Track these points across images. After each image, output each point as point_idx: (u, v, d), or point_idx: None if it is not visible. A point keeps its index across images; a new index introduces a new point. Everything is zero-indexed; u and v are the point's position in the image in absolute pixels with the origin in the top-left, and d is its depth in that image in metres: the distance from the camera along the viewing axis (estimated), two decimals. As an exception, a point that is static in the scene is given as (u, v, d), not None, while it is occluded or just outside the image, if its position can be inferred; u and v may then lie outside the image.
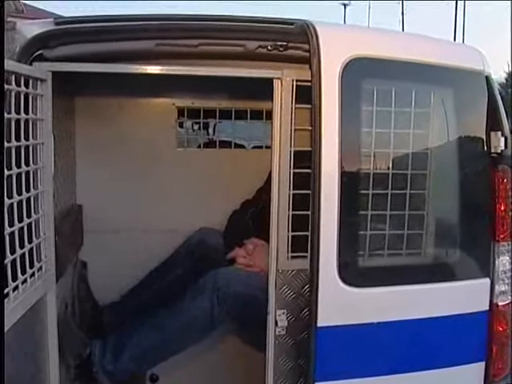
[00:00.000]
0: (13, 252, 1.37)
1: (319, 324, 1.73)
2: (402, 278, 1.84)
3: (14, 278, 1.38)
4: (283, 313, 1.82)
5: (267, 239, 1.85)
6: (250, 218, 2.49)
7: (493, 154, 1.89)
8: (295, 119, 1.77)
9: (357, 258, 1.80)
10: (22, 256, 1.44)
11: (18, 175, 1.41)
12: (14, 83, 1.37)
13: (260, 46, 1.76)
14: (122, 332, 2.21)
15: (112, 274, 2.48)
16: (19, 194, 1.41)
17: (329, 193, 1.70)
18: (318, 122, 1.70)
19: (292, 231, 1.80)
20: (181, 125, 2.76)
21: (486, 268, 1.90)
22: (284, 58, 1.78)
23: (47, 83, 1.61)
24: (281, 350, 1.84)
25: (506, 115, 1.95)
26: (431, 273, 1.89)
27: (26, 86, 1.47)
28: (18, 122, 1.42)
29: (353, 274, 1.78)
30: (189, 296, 2.17)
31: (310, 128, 1.73)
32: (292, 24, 1.81)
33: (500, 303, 1.90)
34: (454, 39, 23.03)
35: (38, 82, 1.57)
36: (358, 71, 1.75)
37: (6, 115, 1.30)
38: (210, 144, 2.88)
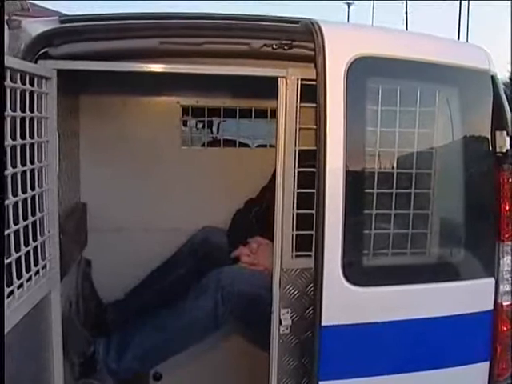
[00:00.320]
0: (18, 250, 1.37)
1: (323, 323, 1.73)
2: (406, 277, 1.83)
3: (19, 276, 1.38)
4: (287, 312, 1.82)
5: (271, 238, 1.85)
6: (254, 217, 2.49)
7: (498, 154, 1.88)
8: (300, 118, 1.77)
9: (361, 257, 1.80)
10: (27, 254, 1.44)
11: (23, 173, 1.41)
12: (19, 81, 1.37)
13: (265, 45, 1.75)
14: (126, 330, 2.21)
15: (116, 272, 2.48)
16: (24, 191, 1.41)
17: (333, 192, 1.70)
18: (322, 121, 1.69)
19: (296, 230, 1.80)
20: (185, 123, 2.76)
21: (490, 268, 1.90)
22: (289, 56, 1.78)
23: (52, 81, 1.61)
24: (285, 349, 1.84)
25: (512, 114, 1.95)
26: (436, 272, 1.89)
27: (31, 83, 1.47)
28: (23, 119, 1.42)
29: (357, 273, 1.77)
30: (192, 295, 2.17)
31: (315, 127, 1.72)
32: (297, 23, 1.81)
33: (504, 303, 1.89)
34: (458, 39, 22.96)
35: (43, 80, 1.57)
36: (363, 70, 1.75)
37: (10, 113, 1.30)
38: (214, 143, 2.88)
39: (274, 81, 1.77)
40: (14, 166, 1.33)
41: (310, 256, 1.77)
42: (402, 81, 1.84)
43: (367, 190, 1.77)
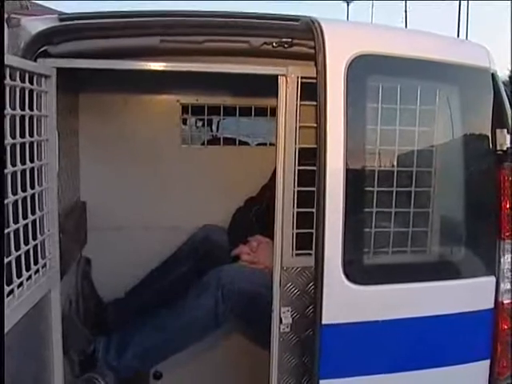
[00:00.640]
0: (17, 249, 1.36)
1: (324, 321, 1.72)
2: (407, 275, 1.83)
3: (19, 275, 1.38)
4: (288, 310, 1.82)
5: (271, 236, 1.84)
6: (254, 215, 2.49)
7: (498, 152, 1.88)
8: (300, 116, 1.76)
9: (362, 256, 1.80)
10: (27, 253, 1.43)
11: (23, 172, 1.41)
12: (18, 79, 1.36)
13: (265, 43, 1.75)
14: (126, 329, 2.20)
15: (116, 271, 2.48)
16: (24, 190, 1.41)
17: (334, 190, 1.70)
18: (323, 119, 1.69)
19: (297, 228, 1.80)
20: (185, 122, 2.76)
21: (491, 266, 1.89)
22: (289, 54, 1.77)
23: (51, 79, 1.61)
24: (285, 347, 1.84)
25: (512, 112, 1.94)
26: (436, 271, 1.88)
27: (31, 82, 1.47)
28: (22, 118, 1.41)
29: (358, 271, 1.77)
30: (193, 293, 2.17)
31: (315, 125, 1.72)
32: (297, 21, 1.80)
33: (505, 301, 1.89)
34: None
35: (43, 79, 1.57)
36: (363, 68, 1.74)
37: (10, 111, 1.29)
38: (214, 141, 2.87)
39: (274, 79, 1.77)
40: (13, 164, 1.32)
41: (310, 254, 1.77)
42: (402, 79, 1.83)
43: (368, 188, 1.76)
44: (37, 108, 1.52)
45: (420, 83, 1.81)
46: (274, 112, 2.11)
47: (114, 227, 2.54)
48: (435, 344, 1.85)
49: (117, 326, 2.32)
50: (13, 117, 1.34)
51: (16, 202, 1.35)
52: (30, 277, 1.46)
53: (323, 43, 1.69)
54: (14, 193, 1.34)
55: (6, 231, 1.27)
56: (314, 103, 1.72)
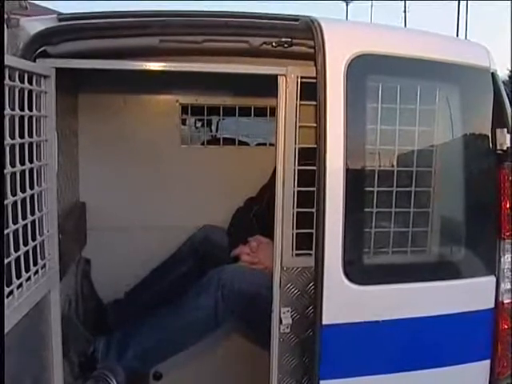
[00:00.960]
0: (17, 249, 1.36)
1: (324, 322, 1.72)
2: (407, 275, 1.83)
3: (18, 276, 1.37)
4: (288, 310, 1.82)
5: (271, 236, 1.84)
6: (254, 216, 2.49)
7: (498, 152, 1.87)
8: (300, 116, 1.76)
9: (362, 256, 1.79)
10: (26, 253, 1.43)
11: (22, 172, 1.40)
12: (17, 80, 1.36)
13: (264, 43, 1.75)
14: (126, 329, 2.20)
15: (115, 271, 2.48)
16: (23, 191, 1.40)
17: (334, 190, 1.69)
18: (323, 119, 1.69)
19: (296, 229, 1.79)
20: (184, 122, 2.76)
21: (491, 266, 1.89)
22: (289, 54, 1.77)
23: (50, 80, 1.60)
24: (285, 347, 1.83)
25: (512, 112, 1.94)
26: (436, 271, 1.88)
27: (30, 82, 1.46)
28: (21, 118, 1.41)
29: (358, 271, 1.77)
30: (193, 294, 2.17)
31: (315, 125, 1.72)
32: (297, 20, 1.80)
33: (505, 301, 1.89)
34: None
35: (42, 79, 1.56)
36: (363, 68, 1.74)
37: (9, 112, 1.29)
38: (213, 141, 2.87)
39: (273, 79, 1.77)
40: (12, 165, 1.32)
41: (310, 255, 1.77)
42: (402, 78, 1.83)
43: (368, 188, 1.76)
44: (36, 108, 1.51)
45: (420, 83, 1.81)
46: (273, 112, 2.11)
47: (114, 228, 2.54)
48: (435, 344, 1.85)
49: (116, 326, 2.31)
50: (12, 117, 1.33)
51: (15, 202, 1.35)
52: (29, 278, 1.46)
53: (323, 43, 1.69)
54: (14, 193, 1.33)
55: (5, 232, 1.26)
56: (314, 103, 1.72)
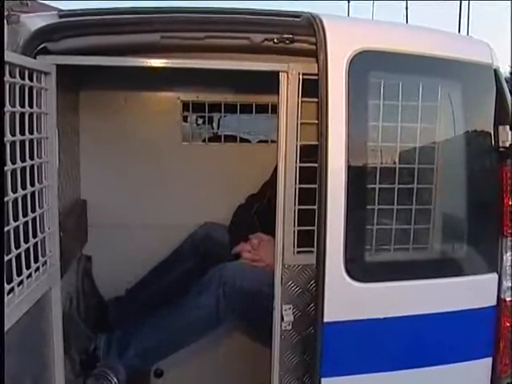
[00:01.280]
0: (17, 247, 1.36)
1: (325, 319, 1.72)
2: (409, 273, 1.82)
3: (19, 273, 1.37)
4: (289, 308, 1.81)
5: (273, 234, 1.84)
6: (256, 213, 2.48)
7: (500, 149, 1.87)
8: (301, 113, 1.76)
9: (363, 253, 1.79)
10: (27, 251, 1.43)
11: (23, 169, 1.40)
12: (18, 76, 1.35)
13: (266, 39, 1.74)
14: (127, 327, 2.20)
15: (117, 269, 2.48)
16: (24, 188, 1.40)
17: (335, 187, 1.69)
18: (324, 116, 1.68)
19: (298, 226, 1.79)
20: (185, 119, 2.75)
21: (493, 263, 1.89)
22: (290, 51, 1.76)
23: (51, 76, 1.60)
24: (287, 345, 1.83)
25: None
26: (438, 268, 1.88)
27: (30, 79, 1.46)
28: (22, 115, 1.41)
29: (359, 268, 1.76)
30: (194, 291, 2.16)
31: (317, 122, 1.71)
32: (298, 17, 1.79)
33: (507, 298, 1.88)
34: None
35: (42, 76, 1.56)
36: (365, 64, 1.73)
37: (10, 108, 1.29)
38: (214, 138, 2.87)
39: (275, 75, 1.76)
40: (13, 162, 1.32)
41: (311, 252, 1.76)
42: (404, 75, 1.82)
43: (369, 185, 1.75)
44: (36, 105, 1.51)
45: (422, 79, 1.80)
46: (275, 109, 2.11)
47: (115, 225, 2.53)
48: (437, 342, 1.85)
49: (118, 323, 2.31)
50: (12, 114, 1.33)
51: (16, 199, 1.34)
52: (30, 275, 1.46)
53: (324, 39, 1.69)
54: (14, 190, 1.33)
55: (5, 229, 1.26)
56: (316, 100, 1.71)
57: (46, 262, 1.59)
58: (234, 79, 2.27)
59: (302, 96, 1.75)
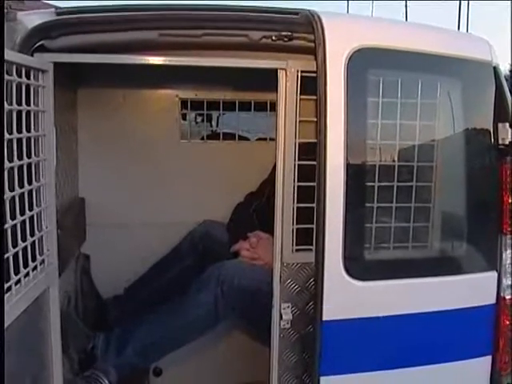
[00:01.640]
0: (15, 245, 1.35)
1: (324, 318, 1.72)
2: (408, 271, 1.82)
3: (17, 272, 1.36)
4: (288, 306, 1.81)
5: (272, 232, 1.83)
6: (255, 211, 2.48)
7: (500, 146, 1.86)
8: (300, 110, 1.75)
9: (362, 251, 1.78)
10: (24, 249, 1.42)
11: (20, 167, 1.39)
12: (15, 74, 1.35)
13: (264, 37, 1.73)
14: (126, 325, 2.20)
15: (115, 267, 2.47)
16: (21, 186, 1.39)
17: (334, 185, 1.68)
18: (323, 114, 1.68)
19: (297, 224, 1.78)
20: (184, 117, 2.74)
21: (493, 261, 1.88)
22: (289, 48, 1.75)
23: (48, 74, 1.59)
24: (285, 343, 1.83)
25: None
26: (437, 266, 1.87)
27: (28, 77, 1.45)
28: (19, 113, 1.40)
29: (358, 267, 1.76)
30: (193, 289, 2.16)
31: (315, 119, 1.70)
32: (297, 14, 1.79)
33: (507, 296, 1.88)
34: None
35: (40, 73, 1.55)
36: (363, 62, 1.73)
37: (7, 106, 1.28)
38: (213, 136, 2.86)
39: (273, 73, 1.75)
40: (10, 160, 1.31)
41: (310, 250, 1.76)
42: (403, 72, 1.81)
43: (368, 183, 1.75)
44: (34, 103, 1.50)
45: (421, 77, 1.79)
46: (273, 107, 2.10)
47: (114, 223, 2.53)
48: (436, 340, 1.84)
49: (116, 322, 2.31)
50: (9, 112, 1.32)
51: (13, 197, 1.34)
52: (27, 274, 1.45)
53: (323, 37, 1.68)
54: (11, 189, 1.32)
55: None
56: (314, 97, 1.70)
57: (43, 261, 1.59)
58: (232, 77, 2.27)
59: (300, 93, 1.74)
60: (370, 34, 1.77)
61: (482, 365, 1.90)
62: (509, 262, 1.88)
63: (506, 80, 2.02)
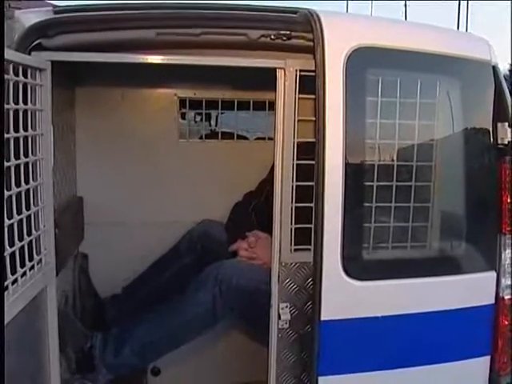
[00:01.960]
0: (12, 245, 1.35)
1: (323, 318, 1.71)
2: (406, 271, 1.82)
3: (14, 271, 1.36)
4: (286, 306, 1.81)
5: (270, 232, 1.83)
6: (253, 210, 2.47)
7: (499, 146, 1.86)
8: (299, 110, 1.74)
9: (361, 251, 1.78)
10: (22, 249, 1.42)
11: (17, 167, 1.39)
12: (12, 73, 1.34)
13: (263, 36, 1.73)
14: (124, 325, 2.19)
15: (113, 266, 2.47)
16: (18, 185, 1.39)
17: (333, 185, 1.68)
18: (321, 113, 1.67)
19: (295, 224, 1.78)
20: (183, 116, 2.74)
21: (492, 261, 1.88)
22: (287, 47, 1.75)
23: (46, 73, 1.58)
24: (284, 343, 1.82)
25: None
26: (436, 266, 1.87)
27: (25, 75, 1.44)
28: (16, 112, 1.39)
29: (357, 267, 1.76)
30: (191, 289, 2.15)
31: (314, 119, 1.70)
32: (295, 13, 1.79)
33: (506, 297, 1.88)
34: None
35: (37, 72, 1.54)
36: (362, 61, 1.72)
37: (4, 105, 1.27)
38: (212, 135, 2.86)
39: (272, 72, 1.75)
40: (7, 159, 1.30)
41: (309, 250, 1.75)
42: (402, 72, 1.81)
43: (367, 183, 1.75)
44: (31, 102, 1.50)
45: (420, 76, 1.79)
46: (272, 106, 2.10)
47: (112, 222, 2.52)
48: (435, 340, 1.84)
49: (114, 322, 2.30)
50: (7, 111, 1.31)
51: (10, 197, 1.33)
52: (24, 273, 1.45)
53: (322, 36, 1.68)
54: (9, 188, 1.32)
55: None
56: (313, 96, 1.70)
57: (41, 260, 1.58)
58: (231, 76, 2.26)
59: (299, 93, 1.74)
60: (369, 34, 1.77)
61: (480, 365, 1.90)
62: (508, 261, 1.87)
63: (506, 80, 2.01)
